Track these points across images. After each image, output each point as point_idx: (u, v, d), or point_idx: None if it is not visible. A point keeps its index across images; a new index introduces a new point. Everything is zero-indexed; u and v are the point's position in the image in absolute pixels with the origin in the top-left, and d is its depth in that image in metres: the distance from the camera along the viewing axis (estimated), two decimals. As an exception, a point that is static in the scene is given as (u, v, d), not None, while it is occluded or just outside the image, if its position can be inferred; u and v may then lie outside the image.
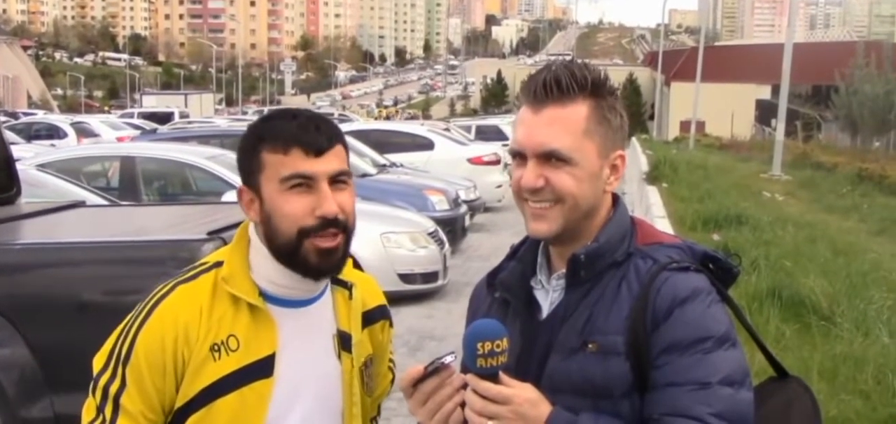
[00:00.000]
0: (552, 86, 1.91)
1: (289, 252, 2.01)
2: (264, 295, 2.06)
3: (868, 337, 6.90)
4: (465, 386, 1.82)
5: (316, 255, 2.00)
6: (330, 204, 1.98)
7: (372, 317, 2.28)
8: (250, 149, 2.04)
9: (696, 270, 1.91)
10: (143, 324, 2.02)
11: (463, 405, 1.83)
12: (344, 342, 2.15)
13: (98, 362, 2.07)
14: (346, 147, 2.09)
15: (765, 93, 69.10)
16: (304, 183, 1.98)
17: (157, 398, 2.02)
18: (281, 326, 2.06)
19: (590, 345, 1.88)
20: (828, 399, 5.54)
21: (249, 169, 2.05)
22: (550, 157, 1.90)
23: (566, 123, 1.90)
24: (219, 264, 2.09)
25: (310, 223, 1.98)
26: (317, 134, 2.01)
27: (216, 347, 2.01)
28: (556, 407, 1.82)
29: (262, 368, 2.04)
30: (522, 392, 1.80)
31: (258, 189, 2.03)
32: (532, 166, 1.91)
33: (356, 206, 2.09)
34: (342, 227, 2.01)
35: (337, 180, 2.02)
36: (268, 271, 2.06)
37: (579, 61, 1.97)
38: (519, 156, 1.94)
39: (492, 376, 1.78)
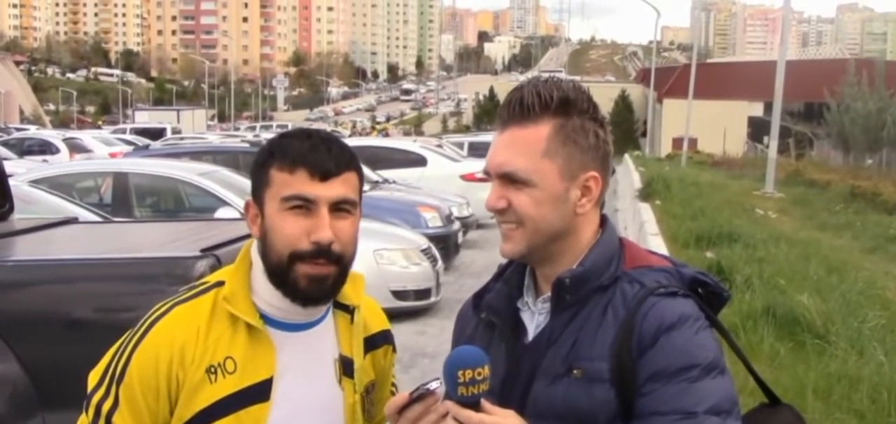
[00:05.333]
0: (516, 107, 1.89)
1: (280, 273, 1.97)
2: (265, 318, 2.02)
3: (863, 356, 6.89)
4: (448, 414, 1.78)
5: (305, 281, 1.96)
6: (325, 231, 1.94)
7: (375, 342, 2.23)
8: (261, 164, 2.02)
9: (683, 295, 1.87)
10: (139, 344, 1.98)
11: None
12: (346, 367, 2.11)
13: (93, 378, 2.03)
14: (359, 174, 2.05)
15: (757, 110, 69.32)
16: (304, 205, 1.95)
17: (150, 419, 1.97)
18: (280, 350, 2.02)
19: (574, 371, 1.85)
20: (823, 418, 5.54)
21: (257, 183, 2.02)
22: (510, 179, 1.88)
23: (524, 145, 1.87)
24: (219, 284, 2.05)
25: (303, 247, 1.94)
26: (326, 157, 1.97)
27: (212, 369, 1.97)
28: None
29: (259, 392, 1.99)
30: (504, 420, 1.77)
31: (262, 204, 2.00)
32: (495, 187, 1.91)
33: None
34: (335, 258, 1.98)
35: (340, 208, 1.99)
36: (267, 293, 2.02)
37: (553, 79, 1.94)
38: (488, 176, 1.94)
39: (473, 404, 1.75)
